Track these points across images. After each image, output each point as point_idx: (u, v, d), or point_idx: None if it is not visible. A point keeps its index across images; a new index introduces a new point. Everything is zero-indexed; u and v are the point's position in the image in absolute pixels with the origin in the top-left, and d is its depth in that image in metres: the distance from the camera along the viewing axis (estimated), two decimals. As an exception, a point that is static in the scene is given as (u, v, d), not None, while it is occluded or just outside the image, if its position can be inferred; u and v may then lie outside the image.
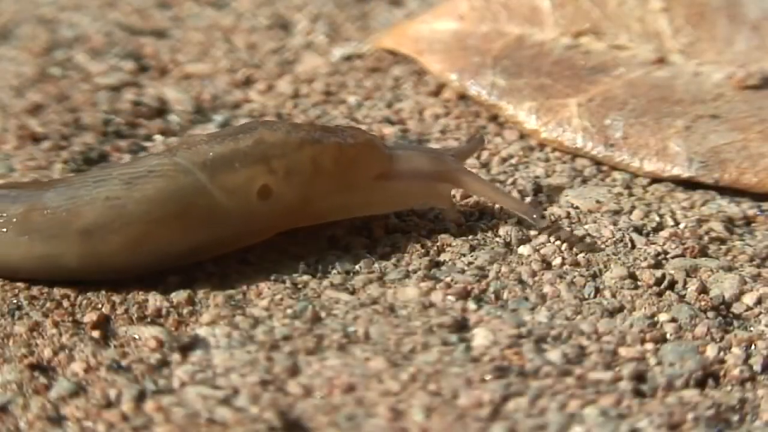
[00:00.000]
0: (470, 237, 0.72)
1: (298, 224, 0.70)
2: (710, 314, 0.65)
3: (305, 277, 0.68)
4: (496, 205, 0.74)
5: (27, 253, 0.65)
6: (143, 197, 0.65)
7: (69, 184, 0.67)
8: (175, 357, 0.61)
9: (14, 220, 0.65)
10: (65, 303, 0.65)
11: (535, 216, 0.71)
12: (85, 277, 0.66)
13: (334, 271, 0.68)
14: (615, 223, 0.74)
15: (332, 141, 0.69)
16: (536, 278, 0.68)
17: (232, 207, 0.66)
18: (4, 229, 0.65)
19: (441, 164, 0.72)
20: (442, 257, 0.70)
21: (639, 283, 0.68)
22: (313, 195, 0.69)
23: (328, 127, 0.72)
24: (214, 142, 0.67)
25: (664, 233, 0.73)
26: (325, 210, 0.70)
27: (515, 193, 0.77)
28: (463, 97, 0.90)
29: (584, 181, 0.79)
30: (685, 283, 0.68)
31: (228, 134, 0.68)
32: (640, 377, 0.60)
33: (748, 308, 0.66)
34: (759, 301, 0.66)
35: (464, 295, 0.66)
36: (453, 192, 0.74)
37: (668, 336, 0.63)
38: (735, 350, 0.62)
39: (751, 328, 0.64)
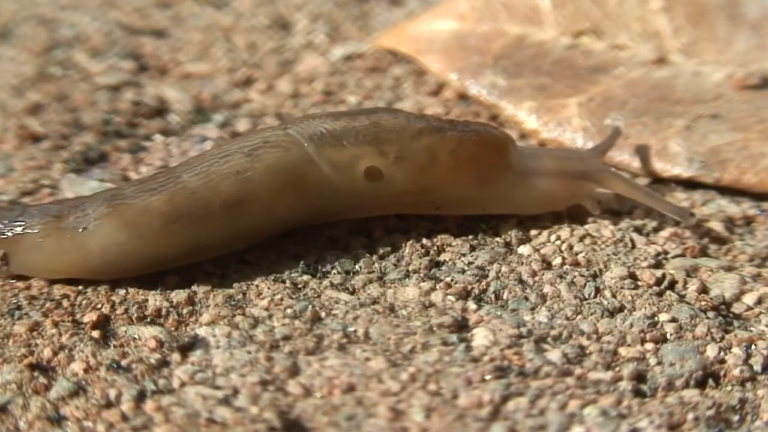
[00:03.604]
0: (470, 237, 0.72)
1: (421, 211, 0.72)
2: (710, 314, 0.65)
3: (305, 277, 0.68)
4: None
5: (178, 239, 0.66)
6: (265, 168, 0.67)
7: (198, 163, 0.67)
8: (175, 357, 0.61)
9: (161, 209, 0.65)
10: (65, 303, 0.65)
11: (683, 214, 0.71)
12: (218, 253, 0.68)
13: (334, 271, 0.68)
14: (615, 223, 0.73)
15: (452, 134, 0.69)
16: (536, 278, 0.68)
17: (340, 182, 0.68)
18: (153, 221, 0.65)
19: (578, 163, 0.72)
20: (442, 257, 0.70)
21: (639, 283, 0.67)
22: (432, 185, 0.70)
23: (455, 120, 0.72)
24: (329, 119, 0.69)
25: (665, 233, 0.73)
26: (448, 201, 0.71)
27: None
28: (463, 96, 0.90)
29: (584, 181, 0.79)
30: (686, 283, 0.68)
31: (347, 114, 0.70)
32: (640, 377, 0.60)
33: (749, 308, 0.66)
34: (759, 301, 0.66)
35: (464, 295, 0.66)
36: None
37: (668, 336, 0.63)
38: (735, 350, 0.62)
39: (752, 328, 0.64)
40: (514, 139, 0.73)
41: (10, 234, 0.66)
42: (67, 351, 0.61)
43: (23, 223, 0.66)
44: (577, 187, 0.73)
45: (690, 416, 0.57)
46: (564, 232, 0.72)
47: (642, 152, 0.78)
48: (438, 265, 0.69)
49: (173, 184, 0.66)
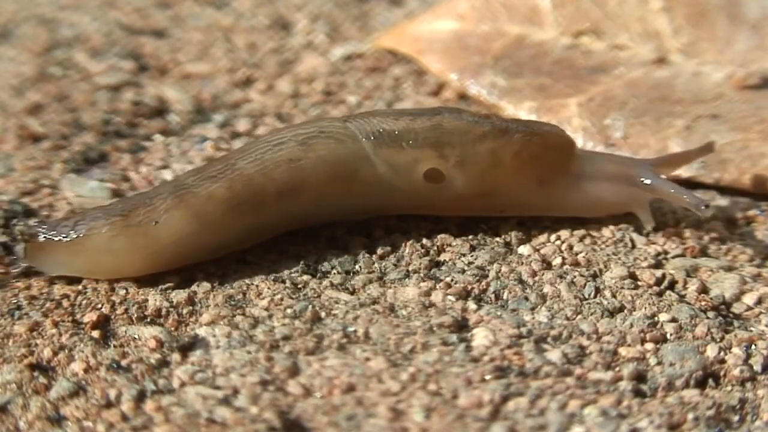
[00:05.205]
0: (470, 237, 0.72)
1: (484, 213, 0.72)
2: (710, 314, 0.65)
3: (305, 277, 0.68)
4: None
5: (239, 225, 0.67)
6: (318, 157, 0.67)
7: (252, 150, 0.68)
8: (175, 357, 0.61)
9: (223, 196, 0.66)
10: (65, 303, 0.65)
11: (703, 207, 0.68)
12: (273, 234, 0.69)
13: (334, 271, 0.68)
14: (615, 223, 0.73)
15: (517, 136, 0.69)
16: (536, 278, 0.68)
17: (397, 182, 0.68)
18: (218, 208, 0.66)
19: (634, 170, 0.71)
20: (442, 257, 0.70)
21: (639, 283, 0.67)
22: (493, 187, 0.69)
23: (520, 120, 0.71)
24: (390, 117, 0.69)
25: (665, 233, 0.73)
26: (513, 205, 0.71)
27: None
28: (463, 96, 0.90)
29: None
30: (686, 283, 0.68)
31: (409, 113, 0.69)
32: (640, 377, 0.60)
33: (749, 308, 0.66)
34: (759, 301, 0.66)
35: (464, 295, 0.66)
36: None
37: (668, 336, 0.63)
38: (735, 350, 0.62)
39: (752, 328, 0.64)
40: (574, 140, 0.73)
41: (74, 236, 0.65)
42: (67, 351, 0.61)
43: (86, 225, 0.66)
44: (629, 194, 0.71)
45: (690, 416, 0.57)
46: (564, 232, 0.72)
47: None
48: (438, 265, 0.69)
49: (231, 171, 0.66)
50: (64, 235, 0.65)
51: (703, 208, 0.68)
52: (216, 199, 0.66)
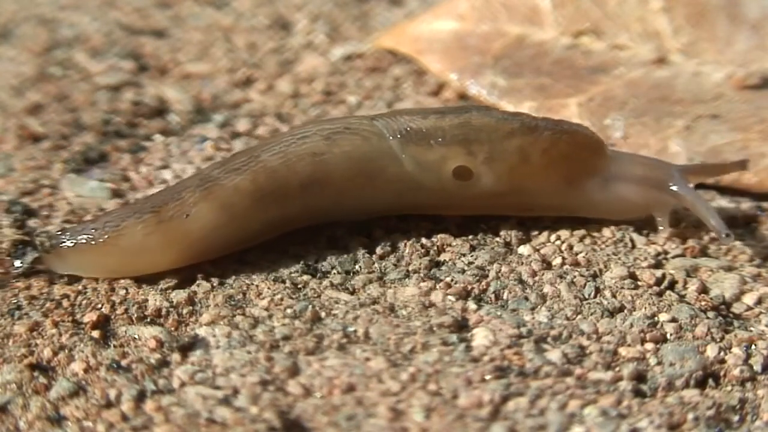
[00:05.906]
0: (470, 237, 0.72)
1: (511, 212, 0.72)
2: (710, 314, 0.65)
3: (305, 277, 0.68)
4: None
5: (264, 216, 0.67)
6: (342, 153, 0.67)
7: (276, 142, 0.68)
8: (175, 357, 0.61)
9: (248, 189, 0.66)
10: (65, 303, 0.65)
11: (724, 235, 0.68)
12: (299, 226, 0.69)
13: (334, 271, 0.68)
14: (615, 223, 0.73)
15: (546, 134, 0.68)
16: (536, 278, 0.68)
17: (425, 179, 0.68)
18: (243, 200, 0.66)
19: (661, 174, 0.70)
20: (442, 257, 0.70)
21: (639, 283, 0.67)
22: (524, 186, 0.69)
23: (549, 119, 0.71)
24: (418, 116, 0.69)
25: (664, 233, 0.73)
26: (540, 204, 0.71)
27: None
28: (463, 96, 0.90)
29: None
30: (686, 283, 0.68)
31: (436, 111, 0.69)
32: (640, 377, 0.60)
33: (749, 308, 0.66)
34: (759, 301, 0.66)
35: (464, 295, 0.66)
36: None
37: (668, 336, 0.63)
38: (735, 350, 0.62)
39: (752, 328, 0.64)
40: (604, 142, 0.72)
41: (106, 237, 0.65)
42: (67, 351, 0.61)
43: (117, 225, 0.66)
44: (654, 197, 0.71)
45: (690, 416, 0.57)
46: (564, 232, 0.72)
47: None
48: (438, 265, 0.69)
49: (255, 164, 0.67)
50: (93, 237, 0.66)
51: (723, 236, 0.68)
52: (241, 192, 0.66)
